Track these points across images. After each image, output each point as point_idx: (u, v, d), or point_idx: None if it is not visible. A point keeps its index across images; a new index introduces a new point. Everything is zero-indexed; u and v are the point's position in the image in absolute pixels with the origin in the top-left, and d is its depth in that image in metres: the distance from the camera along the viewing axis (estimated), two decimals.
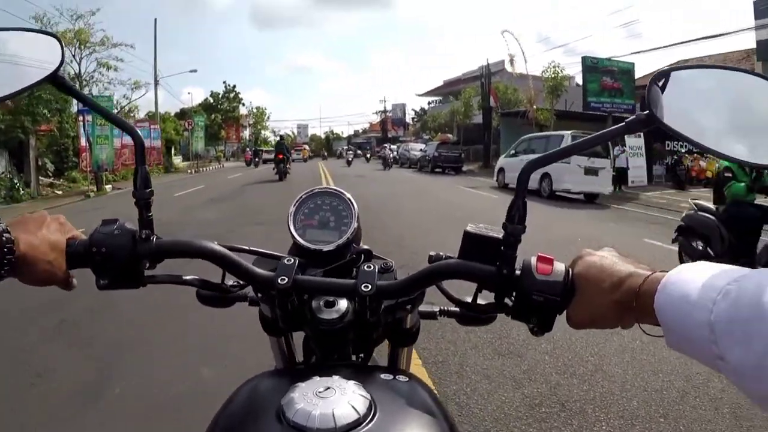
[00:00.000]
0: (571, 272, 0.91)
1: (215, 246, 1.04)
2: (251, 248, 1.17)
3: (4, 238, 0.87)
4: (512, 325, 5.19)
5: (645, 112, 0.88)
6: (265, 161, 50.66)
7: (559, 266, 0.92)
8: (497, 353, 4.78)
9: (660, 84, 0.89)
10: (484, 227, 0.99)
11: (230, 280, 1.14)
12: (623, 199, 20.94)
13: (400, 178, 31.31)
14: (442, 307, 1.24)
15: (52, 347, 4.98)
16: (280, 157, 29.18)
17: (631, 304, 0.80)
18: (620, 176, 23.12)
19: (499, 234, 0.95)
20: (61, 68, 1.04)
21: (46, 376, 4.32)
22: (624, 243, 10.43)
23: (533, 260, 0.93)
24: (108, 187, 24.48)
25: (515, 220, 0.93)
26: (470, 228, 0.99)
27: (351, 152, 52.43)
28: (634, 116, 0.90)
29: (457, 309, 1.20)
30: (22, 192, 21.48)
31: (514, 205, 0.93)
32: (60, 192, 23.72)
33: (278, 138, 36.10)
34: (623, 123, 0.93)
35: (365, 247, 1.16)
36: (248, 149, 63.32)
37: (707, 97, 0.93)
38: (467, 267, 0.97)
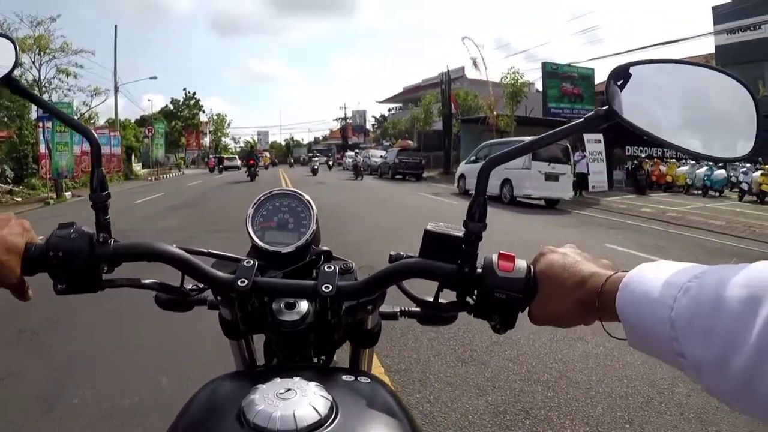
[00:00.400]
0: (533, 269, 0.92)
1: (173, 249, 1.03)
2: (210, 251, 1.15)
3: None
4: (475, 332, 5.28)
5: (604, 108, 0.88)
6: (227, 168, 53.85)
7: (521, 263, 0.92)
8: (460, 360, 4.77)
9: (619, 79, 0.89)
10: (444, 226, 0.99)
11: (189, 284, 1.12)
12: (584, 204, 21.21)
13: (362, 183, 31.49)
14: (402, 308, 1.25)
15: (10, 355, 4.88)
16: (251, 162, 35.14)
17: (593, 304, 0.81)
18: (581, 182, 23.42)
19: (460, 232, 0.96)
20: (15, 70, 1.03)
21: (4, 382, 4.26)
22: (586, 248, 10.02)
23: (494, 258, 0.93)
24: (68, 194, 24.07)
25: (476, 217, 0.93)
26: (430, 227, 0.99)
27: (317, 159, 51.82)
28: (592, 112, 0.91)
29: (418, 309, 1.21)
30: None
31: (474, 203, 0.93)
32: (19, 199, 23.28)
33: (248, 146, 41.88)
34: (582, 119, 0.92)
35: (325, 248, 1.16)
36: (211, 156, 65.29)
37: (666, 92, 0.94)
38: (428, 266, 0.97)
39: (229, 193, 25.65)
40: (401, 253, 1.04)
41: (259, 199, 1.23)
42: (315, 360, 1.15)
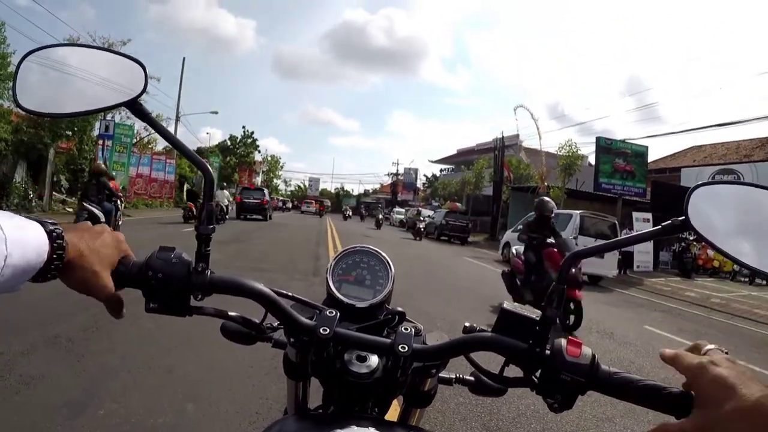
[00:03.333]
0: (597, 358, 0.97)
1: (264, 288, 1.08)
2: (294, 295, 1.19)
3: (56, 244, 0.89)
4: (502, 401, 5.16)
5: (681, 218, 0.96)
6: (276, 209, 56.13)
7: (587, 350, 0.97)
8: (486, 428, 4.66)
9: (697, 194, 0.97)
10: (519, 306, 1.05)
11: (266, 323, 1.20)
12: (627, 283, 20.92)
13: (404, 242, 31.39)
14: (458, 375, 1.29)
15: (43, 359, 4.95)
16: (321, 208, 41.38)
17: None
18: (626, 260, 23.02)
19: (534, 314, 1.02)
20: (142, 95, 1.10)
21: (34, 383, 4.31)
22: (626, 329, 10.36)
23: (563, 342, 0.98)
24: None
25: (554, 304, 1.00)
26: (507, 306, 1.05)
27: (348, 209, 59.40)
28: (670, 221, 0.98)
29: (472, 378, 1.25)
30: (34, 203, 21.80)
31: (554, 291, 1.00)
32: (71, 210, 23.71)
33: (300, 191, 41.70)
34: (660, 226, 0.99)
35: (399, 309, 1.19)
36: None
37: (739, 211, 1.00)
38: (501, 341, 1.03)
39: (275, 232, 25.98)
40: (475, 325, 1.11)
41: (341, 252, 1.30)
42: (369, 412, 1.17)
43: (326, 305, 1.15)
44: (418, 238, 34.05)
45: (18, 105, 1.07)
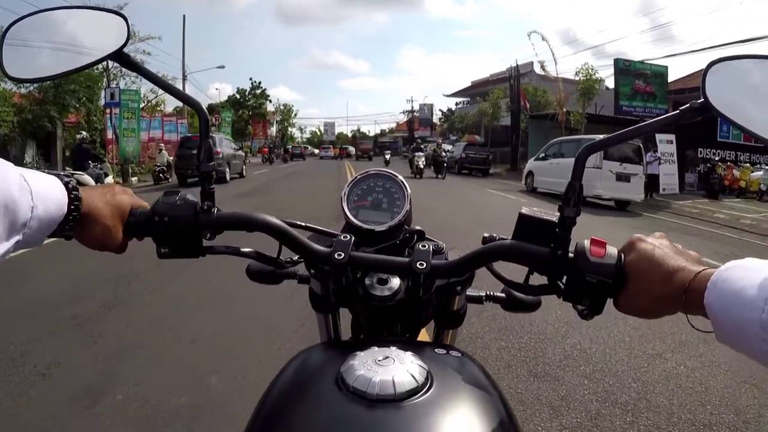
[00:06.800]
0: (623, 257, 0.91)
1: (274, 220, 1.06)
2: (307, 225, 1.18)
3: (72, 195, 0.90)
4: (548, 342, 5.04)
5: (699, 101, 0.89)
6: (293, 157, 60.01)
7: (612, 250, 0.92)
8: (532, 375, 4.40)
9: (714, 73, 0.91)
10: (536, 210, 1.00)
11: (283, 257, 1.16)
12: (655, 207, 20.43)
13: (426, 178, 30.58)
14: (488, 292, 1.29)
15: (58, 344, 4.75)
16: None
17: (680, 298, 0.82)
18: (651, 183, 22.50)
19: (554, 217, 0.97)
20: (126, 46, 1.09)
21: (50, 372, 4.13)
22: None
23: (586, 243, 0.93)
24: (134, 179, 24.64)
25: (571, 203, 0.94)
26: (524, 210, 1.00)
27: (388, 152, 50.57)
28: (687, 104, 0.91)
29: (503, 295, 1.25)
30: None
31: (570, 188, 0.94)
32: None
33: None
34: (677, 110, 0.93)
35: (418, 227, 1.18)
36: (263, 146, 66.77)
37: (761, 87, 0.91)
38: (521, 248, 0.98)
39: (295, 182, 25.77)
40: (494, 234, 1.04)
41: (355, 178, 1.26)
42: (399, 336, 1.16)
43: (345, 233, 1.11)
44: (441, 176, 30.68)
45: (6, 75, 1.07)
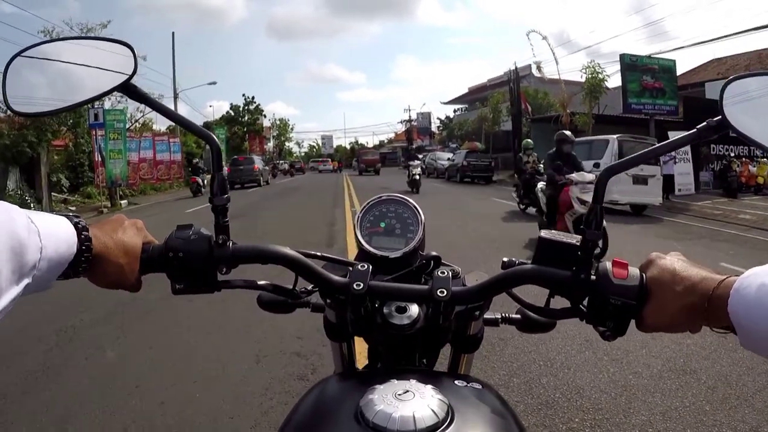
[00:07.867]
0: (645, 276, 0.90)
1: (290, 251, 1.04)
2: (323, 254, 1.14)
3: (83, 236, 0.88)
4: (541, 373, 4.62)
5: (717, 118, 0.90)
6: (298, 169, 70.45)
7: (634, 271, 0.91)
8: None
9: (731, 90, 0.91)
10: (557, 234, 0.99)
11: (299, 287, 1.13)
12: (673, 210, 18.92)
13: (428, 188, 29.56)
14: (504, 314, 1.25)
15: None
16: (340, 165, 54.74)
17: (703, 308, 0.82)
18: (666, 184, 20.87)
19: (574, 240, 0.96)
20: (133, 77, 1.05)
21: None
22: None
23: (608, 265, 0.92)
24: (123, 202, 24.64)
25: (593, 225, 0.94)
26: (545, 234, 0.99)
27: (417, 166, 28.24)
28: (705, 122, 0.91)
29: (518, 316, 1.21)
30: (33, 207, 20.84)
31: (591, 211, 0.94)
32: (73, 208, 23.57)
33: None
34: (695, 129, 0.93)
35: (434, 253, 1.14)
36: (284, 162, 75.04)
37: None
38: (543, 272, 0.96)
39: (285, 202, 24.58)
40: (513, 259, 1.03)
41: (367, 204, 1.25)
42: (416, 364, 1.14)
43: (359, 260, 1.10)
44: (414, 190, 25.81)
45: (12, 111, 1.05)
